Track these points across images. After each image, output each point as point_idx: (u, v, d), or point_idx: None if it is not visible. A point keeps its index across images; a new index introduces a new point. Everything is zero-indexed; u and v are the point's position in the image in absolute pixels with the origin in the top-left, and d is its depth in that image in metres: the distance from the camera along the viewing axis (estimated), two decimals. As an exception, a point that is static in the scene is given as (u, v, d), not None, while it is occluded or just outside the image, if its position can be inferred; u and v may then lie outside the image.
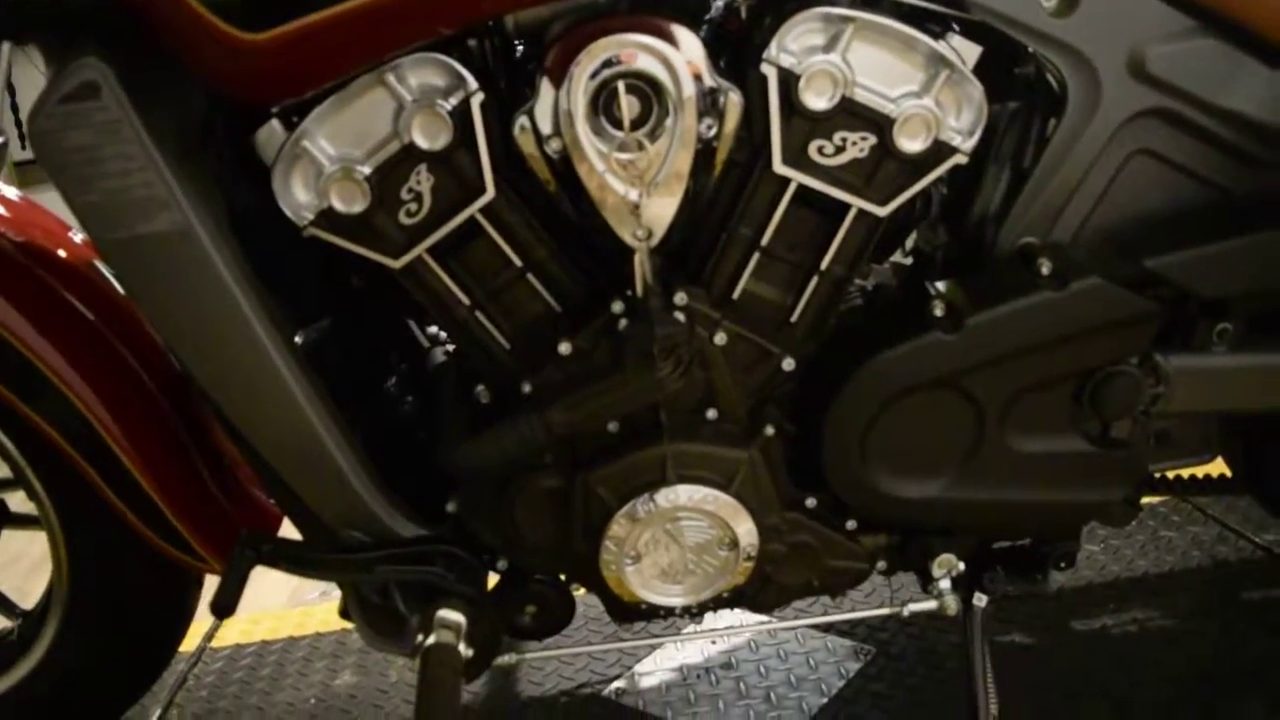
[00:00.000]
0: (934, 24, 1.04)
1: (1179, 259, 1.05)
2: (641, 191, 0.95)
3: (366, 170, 0.96)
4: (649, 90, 0.93)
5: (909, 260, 1.22)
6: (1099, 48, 1.02)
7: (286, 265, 1.08)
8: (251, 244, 1.04)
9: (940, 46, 0.98)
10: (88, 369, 1.17)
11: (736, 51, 1.00)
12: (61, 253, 1.26)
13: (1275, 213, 1.07)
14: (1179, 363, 1.10)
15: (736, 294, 1.04)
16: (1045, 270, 1.04)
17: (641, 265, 0.97)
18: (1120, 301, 1.04)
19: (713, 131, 0.95)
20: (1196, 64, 1.02)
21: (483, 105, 0.94)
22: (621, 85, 0.92)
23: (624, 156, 0.93)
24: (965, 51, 1.08)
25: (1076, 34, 1.01)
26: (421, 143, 0.95)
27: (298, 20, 0.86)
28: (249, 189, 1.02)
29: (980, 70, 1.11)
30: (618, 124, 0.93)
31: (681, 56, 0.91)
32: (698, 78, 0.92)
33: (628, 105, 0.92)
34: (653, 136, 0.93)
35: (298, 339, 1.10)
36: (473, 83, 0.94)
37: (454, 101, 0.94)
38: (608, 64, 0.91)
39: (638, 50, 0.91)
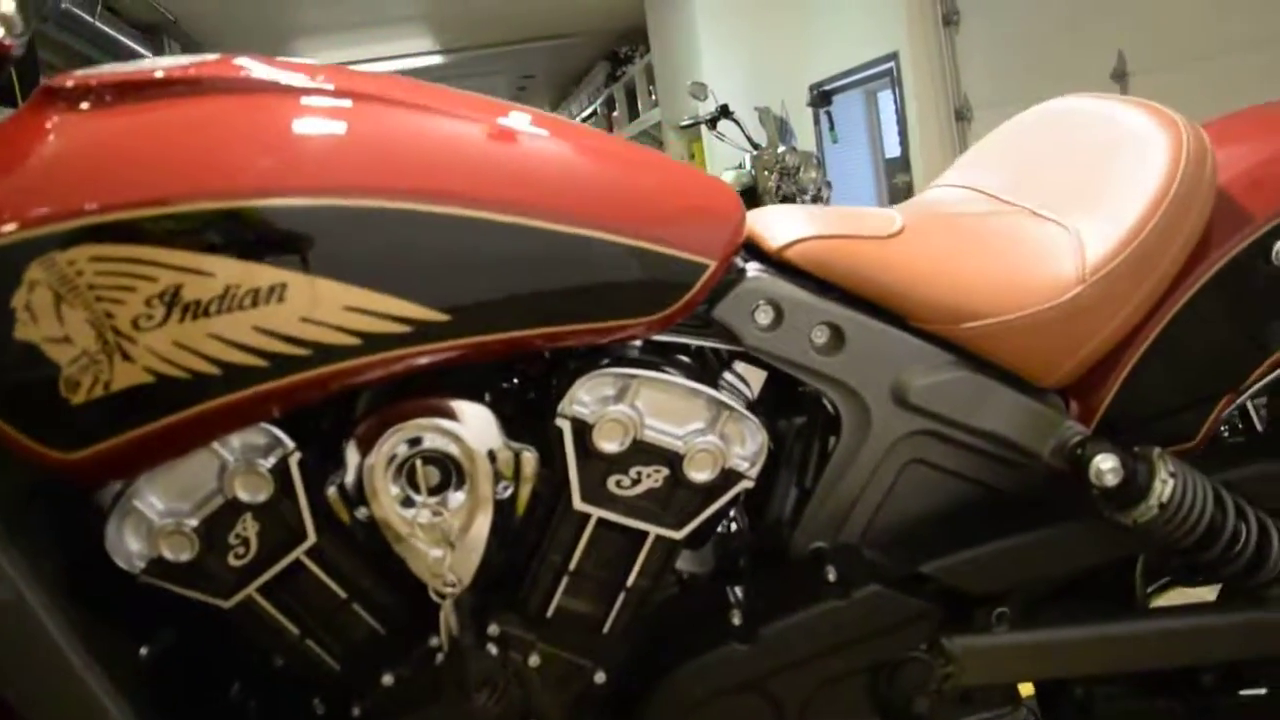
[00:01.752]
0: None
1: (952, 562, 1.14)
2: (445, 550, 1.02)
3: (194, 523, 1.02)
4: (448, 461, 1.01)
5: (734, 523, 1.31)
6: (865, 382, 1.13)
7: (131, 583, 1.13)
8: (95, 566, 1.09)
9: (720, 393, 1.08)
10: None
11: (535, 403, 1.09)
12: None
13: (1040, 509, 1.18)
14: (964, 643, 1.19)
15: (550, 613, 1.12)
16: (832, 577, 1.13)
17: (447, 616, 1.05)
18: (900, 606, 1.13)
19: (509, 491, 1.04)
20: (953, 393, 1.14)
21: (301, 463, 1.02)
22: (420, 461, 1.00)
23: (426, 521, 1.01)
24: (752, 374, 1.19)
25: (844, 370, 1.12)
26: (244, 497, 1.02)
27: (114, 438, 0.93)
28: (90, 517, 1.08)
29: (768, 386, 1.22)
30: (419, 490, 1.01)
31: (475, 433, 1.00)
32: (491, 452, 1.01)
33: (426, 476, 1.01)
34: (452, 502, 1.02)
35: (143, 651, 1.15)
36: (289, 444, 1.01)
37: (273, 460, 1.02)
38: (408, 443, 1.00)
39: (434, 433, 1.00)
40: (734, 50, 8.18)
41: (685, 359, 1.13)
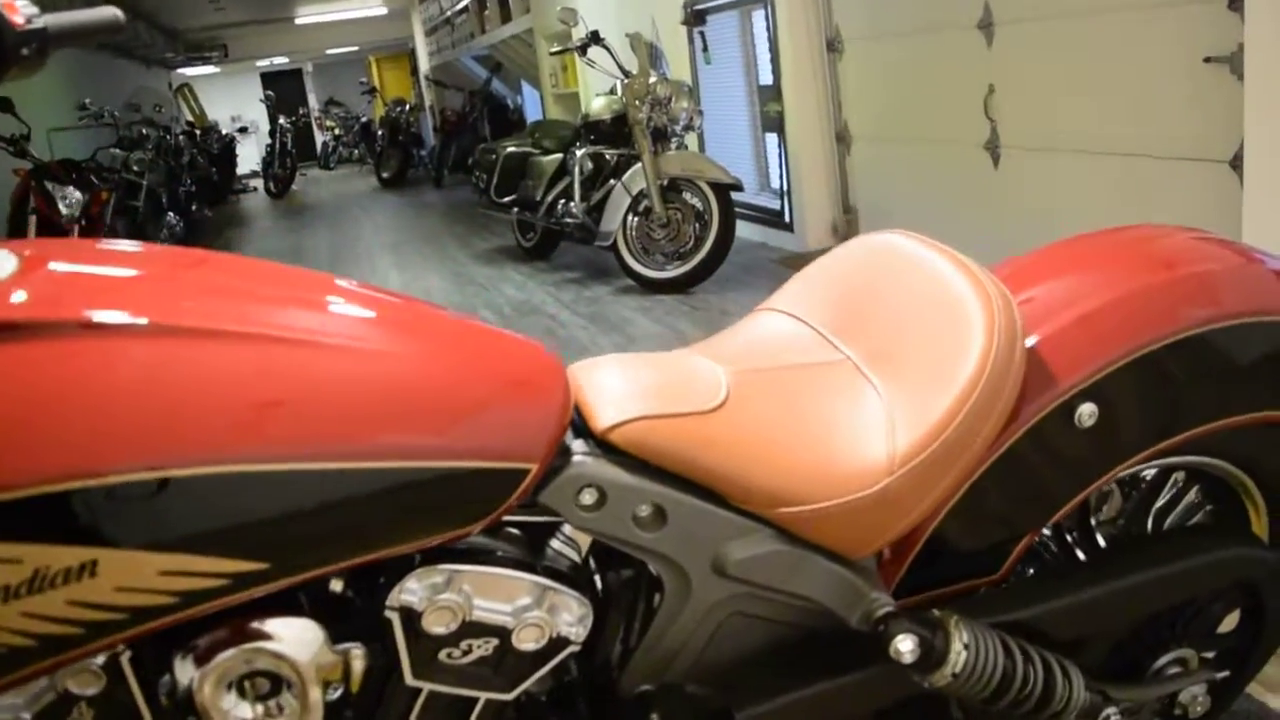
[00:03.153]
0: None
1: (766, 709, 1.22)
2: (281, 749, 1.06)
3: (28, 716, 1.03)
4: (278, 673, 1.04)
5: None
6: (685, 555, 1.18)
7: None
8: None
9: (545, 572, 1.12)
10: None
11: (363, 593, 1.11)
12: None
13: (850, 647, 1.25)
14: None
15: None
16: (655, 724, 1.20)
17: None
18: (717, 755, 1.21)
19: (339, 692, 1.07)
20: (769, 565, 1.19)
21: (132, 660, 1.03)
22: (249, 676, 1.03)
23: (260, 727, 1.04)
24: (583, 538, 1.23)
25: (665, 545, 1.17)
26: (76, 691, 1.03)
27: None
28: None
29: (596, 543, 1.26)
30: (249, 698, 1.04)
31: (300, 648, 1.03)
32: (318, 663, 1.04)
33: (255, 687, 1.03)
34: (284, 707, 1.04)
35: None
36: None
37: (103, 658, 1.03)
38: (238, 663, 1.02)
39: (262, 655, 1.02)
40: (608, -41, 8.00)
41: (514, 531, 1.17)
